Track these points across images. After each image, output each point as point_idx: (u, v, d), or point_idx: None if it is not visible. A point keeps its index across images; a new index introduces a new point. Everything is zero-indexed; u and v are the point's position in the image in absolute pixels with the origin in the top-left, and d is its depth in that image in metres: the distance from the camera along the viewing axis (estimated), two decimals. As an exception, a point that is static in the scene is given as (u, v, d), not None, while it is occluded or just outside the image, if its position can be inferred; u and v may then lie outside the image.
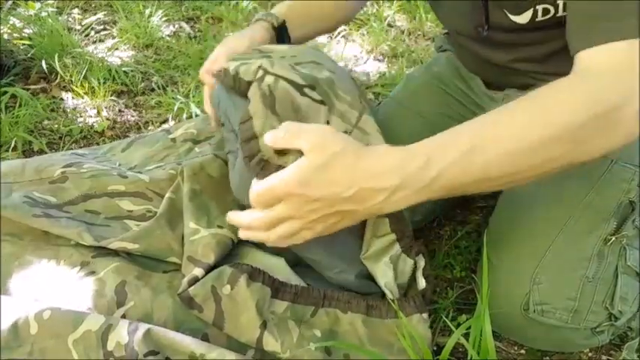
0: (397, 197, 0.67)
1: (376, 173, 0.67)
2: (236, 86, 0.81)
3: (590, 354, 0.92)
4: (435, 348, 0.89)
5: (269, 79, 0.77)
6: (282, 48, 0.89)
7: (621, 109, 0.65)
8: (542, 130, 0.65)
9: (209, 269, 0.82)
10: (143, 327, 0.74)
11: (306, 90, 0.78)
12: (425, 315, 0.85)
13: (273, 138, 0.70)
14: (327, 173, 0.66)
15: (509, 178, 0.68)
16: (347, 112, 0.80)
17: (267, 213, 0.70)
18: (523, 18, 0.86)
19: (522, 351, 0.92)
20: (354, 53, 1.92)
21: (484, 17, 0.90)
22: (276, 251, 0.91)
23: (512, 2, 0.86)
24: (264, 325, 0.79)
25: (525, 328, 0.88)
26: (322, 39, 2.03)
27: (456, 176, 0.66)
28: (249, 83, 0.79)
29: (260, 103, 0.76)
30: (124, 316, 0.78)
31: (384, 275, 0.85)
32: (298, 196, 0.66)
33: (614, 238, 0.87)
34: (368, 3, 2.23)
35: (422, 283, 0.86)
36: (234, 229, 0.88)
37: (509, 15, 0.87)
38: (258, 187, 0.69)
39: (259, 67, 0.78)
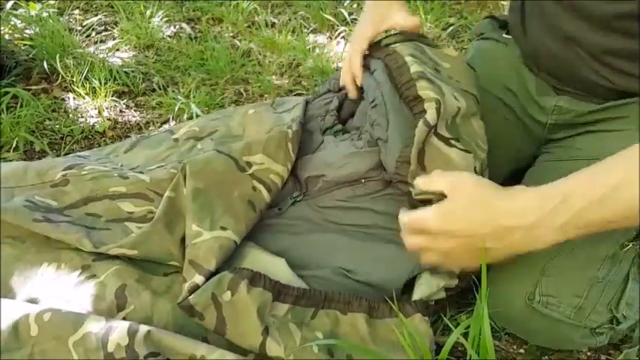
0: (535, 235, 0.71)
1: (512, 211, 0.72)
2: (405, 95, 0.91)
3: (589, 353, 0.92)
4: (434, 347, 0.89)
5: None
6: (446, 65, 0.99)
7: None
8: None
9: (210, 275, 0.82)
10: (144, 329, 0.74)
11: (452, 142, 0.88)
12: (426, 317, 0.85)
13: (422, 182, 0.81)
14: (466, 212, 0.74)
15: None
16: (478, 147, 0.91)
17: (412, 239, 0.80)
18: None
19: (521, 350, 0.92)
20: (355, 54, 1.92)
21: None
22: (274, 250, 0.91)
23: None
24: (266, 331, 0.78)
25: (527, 320, 0.88)
26: (322, 39, 2.03)
27: (593, 215, 0.68)
28: (418, 99, 0.88)
29: (416, 150, 0.86)
30: (124, 320, 0.77)
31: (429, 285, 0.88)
32: (439, 233, 0.76)
33: (630, 245, 0.87)
34: (368, 3, 2.23)
35: (442, 294, 0.90)
36: (238, 230, 0.88)
37: None
38: (408, 218, 0.80)
39: (437, 100, 0.87)
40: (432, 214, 0.76)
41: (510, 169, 1.09)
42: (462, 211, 0.75)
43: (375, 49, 1.07)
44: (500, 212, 0.73)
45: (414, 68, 0.92)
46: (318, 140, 1.10)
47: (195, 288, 0.80)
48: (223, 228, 0.87)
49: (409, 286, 0.92)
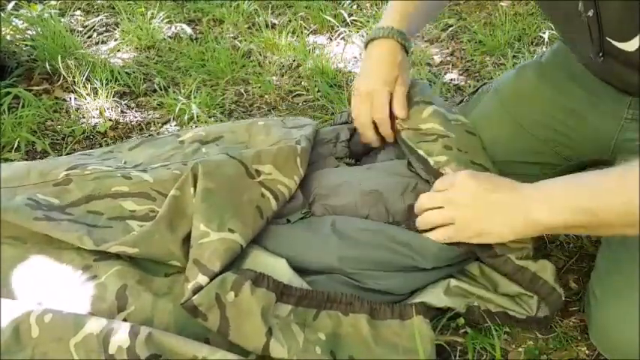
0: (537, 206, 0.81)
1: (533, 186, 0.84)
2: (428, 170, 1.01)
3: (587, 352, 0.92)
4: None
5: None
6: (453, 135, 1.05)
7: None
8: None
9: (213, 276, 0.81)
10: (145, 330, 0.74)
11: None
12: (427, 318, 0.86)
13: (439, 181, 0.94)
14: (488, 177, 0.90)
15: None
16: None
17: (439, 194, 0.90)
18: (630, 45, 0.84)
19: (520, 349, 0.93)
20: (354, 55, 1.93)
21: (597, 44, 0.89)
22: (277, 252, 0.91)
23: (616, 29, 0.84)
24: (269, 333, 0.78)
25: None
26: (322, 40, 2.03)
27: (581, 199, 0.79)
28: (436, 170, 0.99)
29: None
30: (124, 321, 0.78)
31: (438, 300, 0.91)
32: (469, 180, 0.87)
33: None
34: (367, 5, 2.24)
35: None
36: (244, 234, 0.88)
37: (615, 43, 0.85)
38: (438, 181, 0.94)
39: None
40: (464, 171, 0.90)
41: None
42: (483, 177, 0.89)
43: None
44: (511, 185, 0.86)
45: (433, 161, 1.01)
46: (332, 164, 1.12)
47: (198, 288, 0.80)
48: (231, 230, 0.87)
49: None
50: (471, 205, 0.87)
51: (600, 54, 0.90)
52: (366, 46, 1.12)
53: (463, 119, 1.11)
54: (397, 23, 1.09)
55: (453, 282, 0.93)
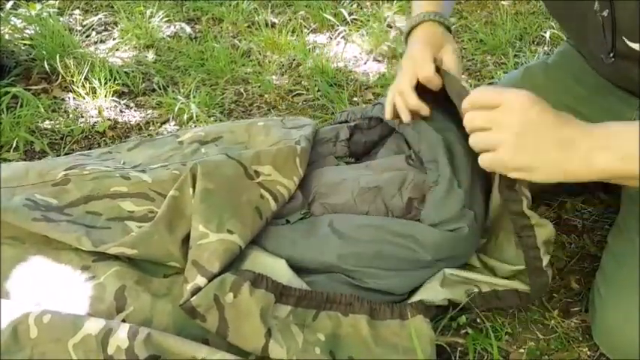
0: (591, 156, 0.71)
1: (585, 126, 0.73)
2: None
3: (589, 353, 0.92)
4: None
5: None
6: None
7: None
8: None
9: (212, 277, 0.81)
10: (144, 331, 0.74)
11: None
12: (427, 318, 0.86)
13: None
14: (545, 105, 0.74)
15: None
16: None
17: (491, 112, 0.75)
18: None
19: (522, 350, 0.93)
20: (354, 54, 1.92)
21: (609, 44, 0.88)
22: (276, 253, 0.91)
23: (630, 29, 0.83)
24: (269, 333, 0.78)
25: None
26: (322, 39, 2.03)
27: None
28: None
29: None
30: (123, 322, 0.77)
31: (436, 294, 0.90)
32: (522, 106, 0.73)
33: None
34: (368, 4, 2.23)
35: (444, 302, 0.91)
36: (243, 235, 0.88)
37: (628, 42, 0.85)
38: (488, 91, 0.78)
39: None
40: (527, 92, 0.75)
41: None
42: (548, 108, 0.75)
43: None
44: (578, 126, 0.74)
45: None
46: (332, 163, 1.11)
47: (197, 289, 0.80)
48: (230, 231, 0.87)
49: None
50: (522, 136, 0.73)
51: (612, 54, 0.89)
52: (406, 41, 1.06)
53: None
54: (431, 7, 1.03)
55: (448, 271, 0.92)
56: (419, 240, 0.91)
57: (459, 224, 0.91)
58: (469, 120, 0.78)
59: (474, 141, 0.78)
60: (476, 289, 0.93)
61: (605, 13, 0.84)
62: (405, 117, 1.00)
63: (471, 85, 1.70)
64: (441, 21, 1.01)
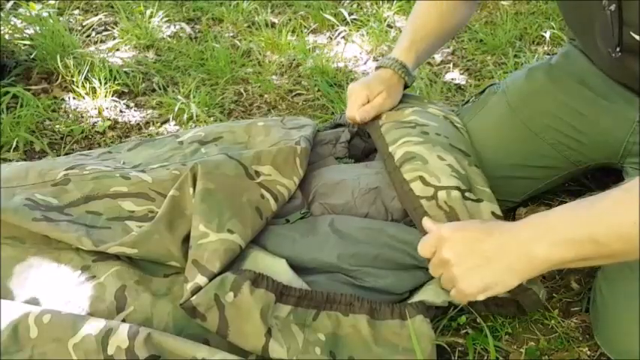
0: (528, 249, 0.73)
1: (509, 229, 0.77)
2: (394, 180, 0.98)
3: (589, 353, 0.92)
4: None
5: (442, 194, 0.93)
6: (434, 124, 1.05)
7: None
8: None
9: (212, 277, 0.81)
10: (144, 331, 0.73)
11: (467, 194, 0.94)
12: (427, 318, 0.85)
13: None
14: (472, 226, 0.81)
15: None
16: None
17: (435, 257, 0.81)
18: None
19: (522, 350, 0.93)
20: (354, 54, 1.92)
21: (616, 38, 0.89)
22: (276, 252, 0.91)
23: (637, 23, 0.83)
24: (269, 333, 0.78)
25: None
26: (322, 39, 2.03)
27: (580, 232, 0.71)
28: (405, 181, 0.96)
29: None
30: (123, 322, 0.77)
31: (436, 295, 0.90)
32: (448, 239, 0.78)
33: None
34: (368, 4, 2.23)
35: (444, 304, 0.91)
36: (244, 235, 0.88)
37: (635, 35, 0.85)
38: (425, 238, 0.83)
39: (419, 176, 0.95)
40: (441, 225, 0.82)
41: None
42: (468, 223, 0.84)
43: (370, 125, 1.11)
44: (502, 228, 0.78)
45: (398, 155, 0.99)
46: (332, 164, 1.12)
47: (197, 289, 0.80)
48: (230, 231, 0.87)
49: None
50: (464, 264, 0.77)
51: (618, 49, 0.90)
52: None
53: (453, 117, 1.13)
54: (404, 52, 1.13)
55: None
56: (416, 246, 0.91)
57: None
58: (432, 272, 0.83)
59: (444, 285, 0.83)
60: None
61: (612, 8, 0.85)
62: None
63: (471, 86, 1.70)
64: (400, 74, 1.11)
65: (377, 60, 1.88)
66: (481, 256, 0.76)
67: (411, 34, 1.14)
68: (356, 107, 1.09)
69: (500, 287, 0.77)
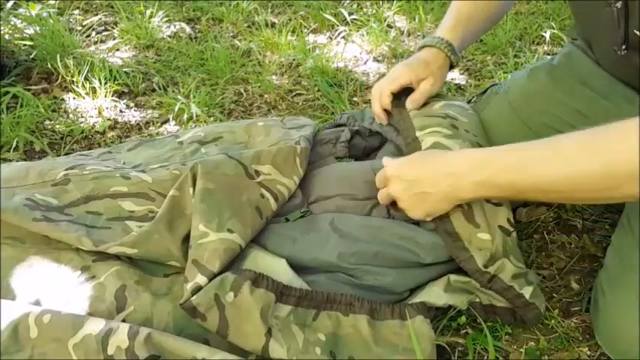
0: (459, 184, 0.82)
1: (448, 163, 0.85)
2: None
3: (589, 353, 0.92)
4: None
5: None
6: (464, 120, 1.06)
7: None
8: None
9: (212, 277, 0.81)
10: (144, 331, 0.73)
11: None
12: (427, 318, 0.85)
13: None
14: (413, 161, 0.90)
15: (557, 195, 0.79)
16: None
17: (384, 190, 0.93)
18: None
19: (522, 349, 0.93)
20: (354, 54, 1.92)
21: (622, 36, 0.89)
22: (276, 252, 0.91)
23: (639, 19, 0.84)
24: (269, 333, 0.78)
25: None
26: (322, 39, 2.03)
27: (502, 179, 0.79)
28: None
29: None
30: (123, 321, 0.77)
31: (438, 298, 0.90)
32: (392, 176, 0.90)
33: None
34: (368, 4, 2.23)
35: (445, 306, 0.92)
36: (244, 234, 0.88)
37: (638, 32, 0.85)
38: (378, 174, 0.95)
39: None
40: (389, 163, 0.92)
41: None
42: (410, 161, 0.90)
43: (395, 108, 1.09)
44: (439, 162, 0.86)
45: (427, 144, 0.99)
46: (332, 163, 1.12)
47: (197, 289, 0.79)
48: (230, 231, 0.87)
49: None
50: (407, 201, 0.89)
51: (624, 46, 0.90)
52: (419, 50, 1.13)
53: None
54: (450, 31, 1.10)
55: (453, 277, 0.92)
56: (419, 243, 0.92)
57: None
58: (380, 200, 0.95)
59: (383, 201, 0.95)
60: (477, 300, 0.93)
61: (619, 5, 0.86)
62: (381, 119, 1.12)
63: (471, 86, 1.70)
64: (446, 53, 1.08)
65: (378, 60, 1.89)
66: (420, 193, 0.87)
67: (456, 13, 1.11)
68: (393, 88, 1.07)
69: (439, 212, 0.89)
